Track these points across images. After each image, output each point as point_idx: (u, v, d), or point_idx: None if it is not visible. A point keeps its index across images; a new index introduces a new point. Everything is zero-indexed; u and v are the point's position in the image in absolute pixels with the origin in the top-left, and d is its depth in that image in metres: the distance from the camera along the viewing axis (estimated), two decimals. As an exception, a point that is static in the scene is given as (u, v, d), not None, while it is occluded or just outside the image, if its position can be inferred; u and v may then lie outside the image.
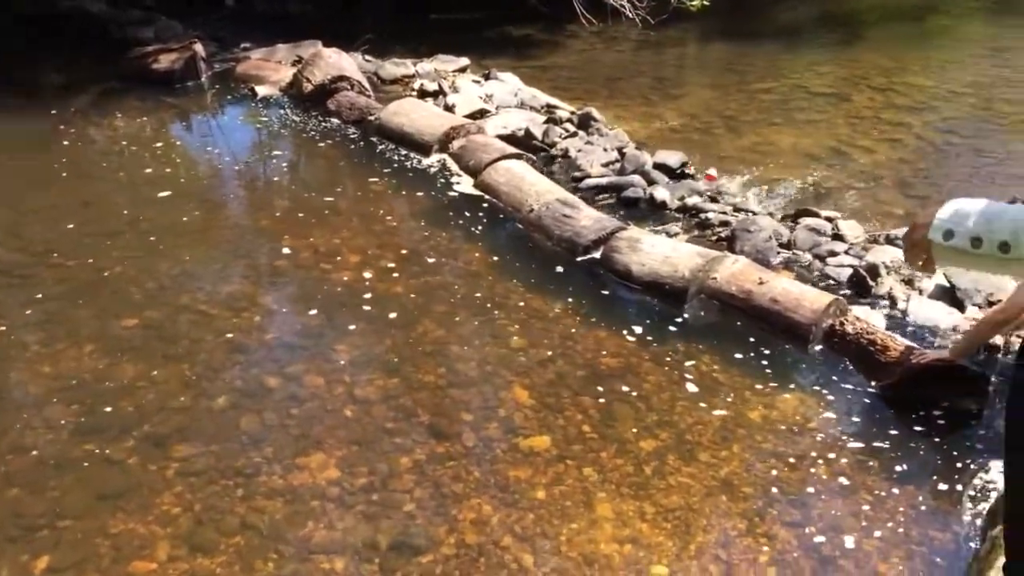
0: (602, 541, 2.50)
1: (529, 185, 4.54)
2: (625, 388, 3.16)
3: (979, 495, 2.64)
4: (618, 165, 5.17)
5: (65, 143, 5.38)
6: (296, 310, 3.65)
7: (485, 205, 4.58)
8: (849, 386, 3.20)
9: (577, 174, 5.07)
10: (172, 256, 4.00)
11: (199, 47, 6.58)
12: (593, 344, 3.44)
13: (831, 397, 3.14)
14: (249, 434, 2.89)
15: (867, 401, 3.13)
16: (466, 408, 3.06)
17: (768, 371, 3.27)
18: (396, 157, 5.19)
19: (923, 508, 2.63)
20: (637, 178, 4.92)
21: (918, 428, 2.97)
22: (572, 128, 5.70)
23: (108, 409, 2.98)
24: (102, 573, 2.36)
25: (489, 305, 3.70)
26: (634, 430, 2.94)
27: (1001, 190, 4.72)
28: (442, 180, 4.89)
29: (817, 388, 3.19)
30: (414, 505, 2.61)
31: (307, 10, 8.94)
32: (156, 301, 3.65)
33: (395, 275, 3.90)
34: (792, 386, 3.20)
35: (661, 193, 4.74)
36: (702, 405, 3.08)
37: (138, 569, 2.38)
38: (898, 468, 2.79)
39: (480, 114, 5.81)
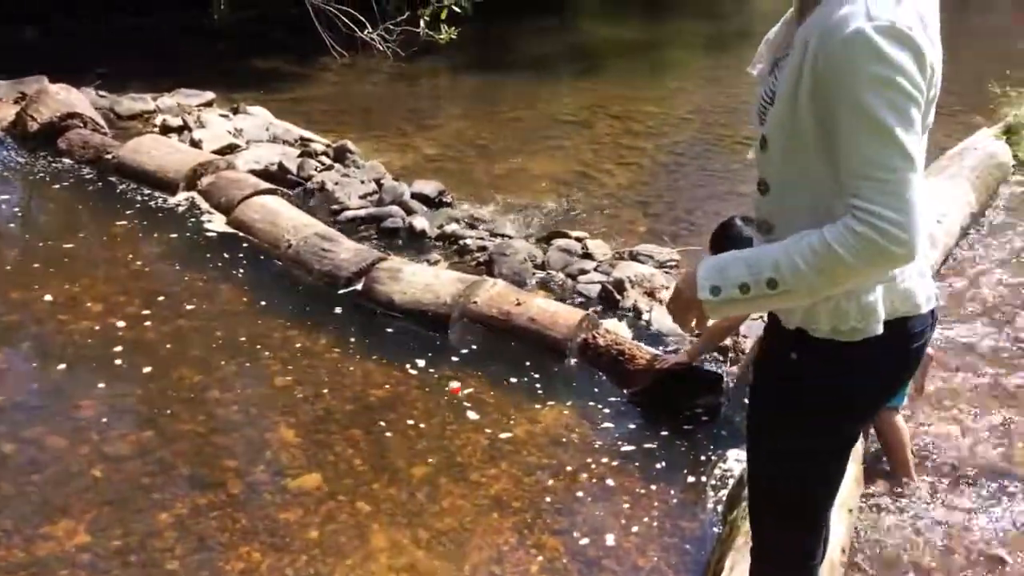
0: (378, 573, 2.49)
1: (286, 220, 4.46)
2: (395, 418, 3.17)
3: (719, 484, 2.89)
4: (376, 196, 5.20)
5: None
6: (32, 368, 3.36)
7: (243, 243, 4.44)
8: (605, 395, 3.40)
9: (335, 207, 5.04)
10: None
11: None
12: (360, 376, 3.43)
13: (589, 407, 3.32)
14: (-19, 509, 2.61)
15: (622, 408, 3.34)
16: (229, 454, 2.94)
17: (531, 388, 3.41)
18: (139, 197, 4.90)
19: (674, 502, 2.85)
20: (396, 208, 4.97)
21: (667, 429, 3.20)
22: (328, 161, 5.66)
23: None
24: None
25: (250, 345, 3.58)
26: (405, 458, 2.96)
27: (727, 205, 5.21)
28: (192, 219, 4.68)
29: (576, 400, 3.36)
30: (177, 563, 2.47)
31: (36, 39, 8.28)
32: None
33: (147, 322, 3.68)
34: (553, 400, 3.35)
35: (420, 222, 4.82)
36: (470, 427, 3.16)
37: None
38: (652, 467, 3.00)
39: (230, 149, 5.62)
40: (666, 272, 4.36)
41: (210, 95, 6.75)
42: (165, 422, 3.07)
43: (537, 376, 3.48)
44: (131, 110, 6.36)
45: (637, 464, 3.01)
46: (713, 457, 3.05)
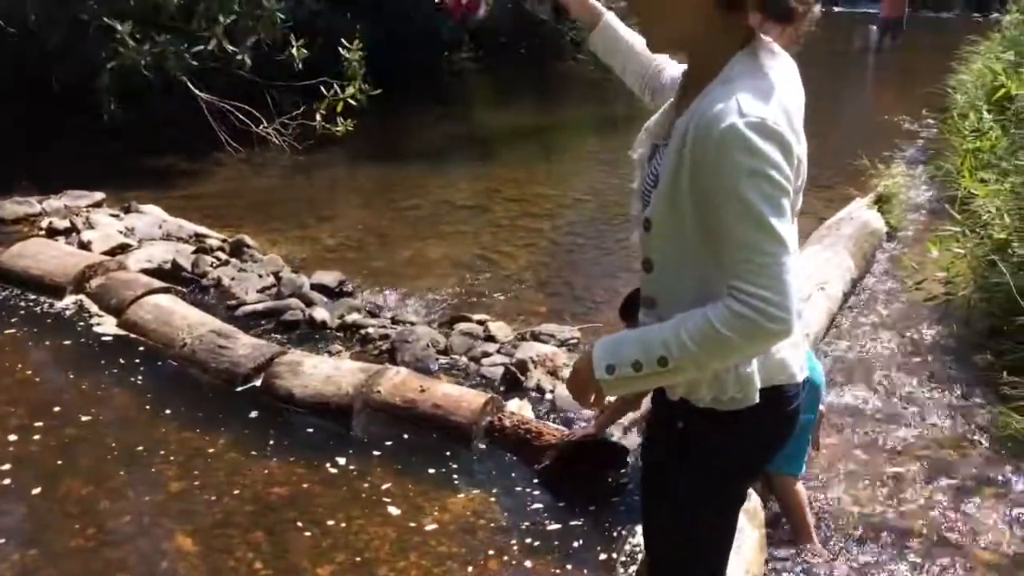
0: None
1: (180, 319, 4.35)
2: (297, 516, 3.08)
3: (629, 559, 2.90)
4: (275, 290, 5.14)
5: None
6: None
7: (136, 346, 4.30)
8: (514, 477, 3.39)
9: (232, 302, 4.95)
10: None
11: None
12: (261, 475, 3.33)
13: (499, 491, 3.30)
14: None
15: (532, 489, 3.32)
16: (121, 568, 2.79)
17: (439, 475, 3.37)
18: (23, 303, 4.71)
19: (587, 580, 2.84)
20: (295, 301, 4.92)
21: (577, 506, 3.20)
22: (224, 256, 5.59)
23: None
24: None
25: (144, 451, 3.44)
26: (310, 558, 2.87)
27: (622, 282, 5.36)
28: (81, 323, 4.52)
29: (486, 484, 3.34)
30: None
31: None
32: None
33: (35, 436, 3.50)
34: (462, 486, 3.32)
35: (320, 313, 4.78)
36: (378, 520, 3.09)
37: None
38: (565, 547, 2.98)
39: (121, 249, 5.49)
40: (568, 350, 4.43)
41: (99, 195, 6.59)
42: (51, 539, 2.90)
43: (445, 463, 3.45)
44: (15, 214, 6.14)
45: (548, 543, 2.99)
46: (624, 532, 3.05)
